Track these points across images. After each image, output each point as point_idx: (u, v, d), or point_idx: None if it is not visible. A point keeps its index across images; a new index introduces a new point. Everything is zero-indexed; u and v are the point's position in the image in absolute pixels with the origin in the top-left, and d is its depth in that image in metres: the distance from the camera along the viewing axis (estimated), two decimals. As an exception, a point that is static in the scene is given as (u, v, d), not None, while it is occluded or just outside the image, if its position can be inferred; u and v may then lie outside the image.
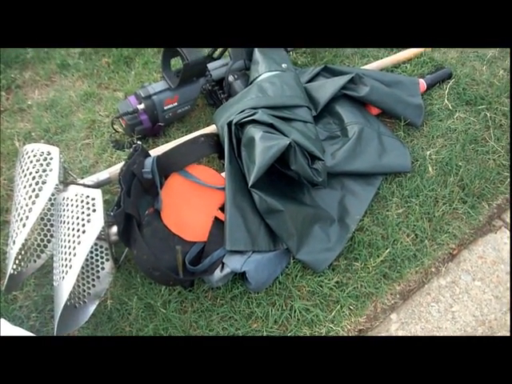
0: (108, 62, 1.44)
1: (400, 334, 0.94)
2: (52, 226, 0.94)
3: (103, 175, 1.04)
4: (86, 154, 1.20)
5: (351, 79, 1.18)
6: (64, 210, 0.84)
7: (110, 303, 0.93)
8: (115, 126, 1.21)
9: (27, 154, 0.89)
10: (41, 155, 0.89)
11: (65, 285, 0.76)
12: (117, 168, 1.04)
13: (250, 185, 0.94)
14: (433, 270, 1.03)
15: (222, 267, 0.93)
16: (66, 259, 0.78)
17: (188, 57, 1.08)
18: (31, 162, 0.88)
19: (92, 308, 0.88)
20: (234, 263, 0.92)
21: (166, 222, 0.96)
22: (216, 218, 0.99)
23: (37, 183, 0.85)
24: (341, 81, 1.17)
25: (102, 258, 0.91)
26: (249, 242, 0.94)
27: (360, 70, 1.24)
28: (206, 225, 0.98)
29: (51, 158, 0.89)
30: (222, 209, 0.99)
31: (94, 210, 0.81)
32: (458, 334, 0.95)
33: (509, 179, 1.16)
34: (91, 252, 0.90)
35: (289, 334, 0.91)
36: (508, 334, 0.94)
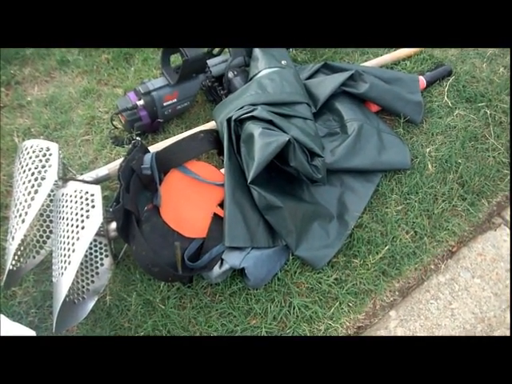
0: (107, 58, 1.44)
1: (399, 331, 0.95)
2: (51, 221, 0.94)
3: (102, 171, 1.04)
4: (85, 150, 1.20)
5: (351, 76, 1.17)
6: (63, 206, 0.84)
7: (108, 299, 0.93)
8: (114, 122, 1.20)
9: (26, 149, 0.89)
10: (40, 151, 0.89)
11: (64, 281, 0.77)
12: (116, 164, 1.04)
13: (249, 181, 0.94)
14: (432, 267, 1.03)
15: (221, 263, 0.93)
16: (65, 255, 0.78)
17: (187, 53, 1.08)
18: (30, 158, 0.88)
19: (91, 304, 0.88)
20: (232, 259, 0.92)
21: (165, 218, 0.96)
22: (215, 214, 0.99)
23: (36, 179, 0.85)
24: (340, 77, 1.16)
25: (101, 254, 0.91)
26: (248, 239, 0.94)
27: (360, 67, 1.24)
28: (205, 221, 0.98)
29: (50, 154, 0.89)
30: (221, 205, 0.99)
31: (93, 206, 0.81)
32: (457, 331, 0.95)
33: (508, 177, 1.16)
34: (90, 248, 0.90)
35: (287, 331, 0.91)
36: (507, 332, 0.94)
